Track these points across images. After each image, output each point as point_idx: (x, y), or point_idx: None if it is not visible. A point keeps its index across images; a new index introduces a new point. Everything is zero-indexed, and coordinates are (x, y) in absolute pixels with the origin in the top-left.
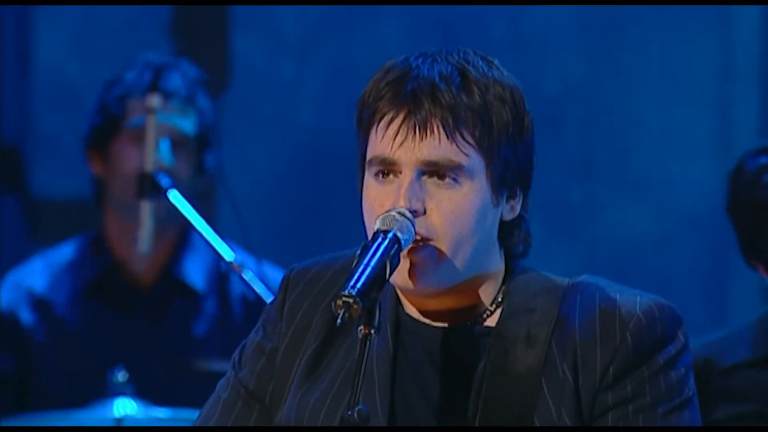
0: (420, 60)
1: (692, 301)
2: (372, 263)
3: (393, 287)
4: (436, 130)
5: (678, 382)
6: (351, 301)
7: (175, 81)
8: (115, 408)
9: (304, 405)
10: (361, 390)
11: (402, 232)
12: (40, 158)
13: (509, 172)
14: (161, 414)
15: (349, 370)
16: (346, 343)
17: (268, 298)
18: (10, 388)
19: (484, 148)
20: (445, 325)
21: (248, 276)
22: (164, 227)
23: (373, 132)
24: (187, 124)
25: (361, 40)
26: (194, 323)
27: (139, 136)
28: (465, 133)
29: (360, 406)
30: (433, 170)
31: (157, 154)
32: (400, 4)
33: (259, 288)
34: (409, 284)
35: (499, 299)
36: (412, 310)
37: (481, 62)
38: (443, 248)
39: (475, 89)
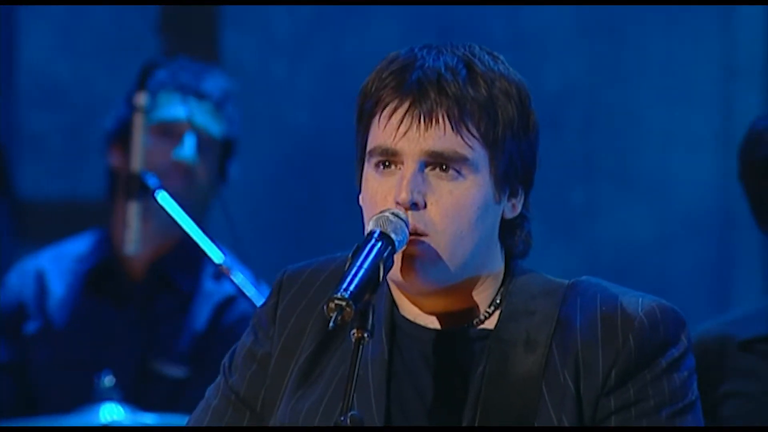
0: (425, 51)
1: (694, 303)
2: (365, 265)
3: (388, 289)
4: (441, 120)
5: (681, 386)
6: (343, 304)
7: (210, 84)
8: (101, 413)
9: (298, 411)
10: (353, 395)
11: (396, 233)
12: (26, 158)
13: (512, 168)
14: (148, 420)
15: (343, 375)
16: (341, 347)
17: (259, 302)
18: (10, 379)
19: (489, 142)
20: (442, 327)
21: (238, 279)
22: (159, 228)
23: (375, 122)
24: (216, 128)
25: (354, 39)
26: (178, 325)
27: (166, 129)
28: (470, 126)
29: (353, 412)
30: (437, 162)
31: (180, 149)
32: (394, 3)
33: (249, 291)
34: (406, 279)
35: (498, 301)
36: (408, 312)
37: (487, 56)
38: (442, 243)
39: (481, 82)
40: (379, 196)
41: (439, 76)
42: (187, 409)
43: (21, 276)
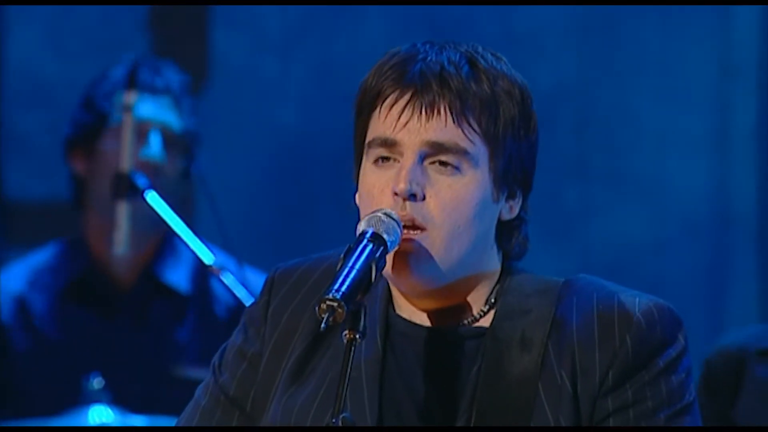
0: (428, 46)
1: (689, 305)
2: (357, 266)
3: (383, 288)
4: (443, 112)
5: (679, 387)
6: (335, 305)
7: (164, 78)
8: (90, 416)
9: (290, 409)
10: (345, 397)
11: (388, 234)
12: (12, 158)
13: (511, 168)
14: (137, 422)
15: (336, 374)
16: (333, 345)
17: (249, 302)
18: None
19: (490, 138)
20: (437, 325)
21: (228, 279)
22: (146, 228)
23: (375, 114)
24: (177, 122)
25: (344, 38)
26: (176, 327)
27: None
28: (472, 120)
29: (345, 414)
30: (437, 154)
31: (146, 148)
32: (385, 3)
33: (239, 291)
34: (400, 277)
35: (493, 300)
36: (402, 311)
37: (490, 56)
38: (439, 238)
39: (484, 78)
40: (377, 188)
41: (442, 69)
42: None
43: None
